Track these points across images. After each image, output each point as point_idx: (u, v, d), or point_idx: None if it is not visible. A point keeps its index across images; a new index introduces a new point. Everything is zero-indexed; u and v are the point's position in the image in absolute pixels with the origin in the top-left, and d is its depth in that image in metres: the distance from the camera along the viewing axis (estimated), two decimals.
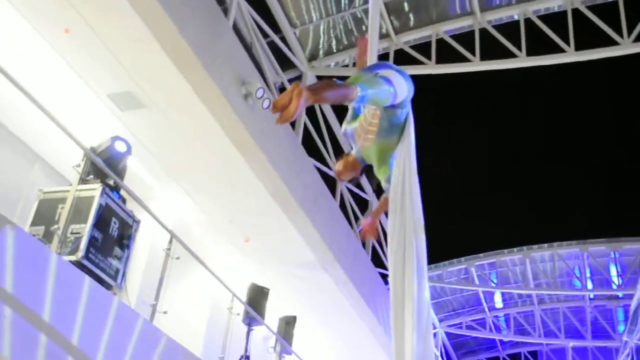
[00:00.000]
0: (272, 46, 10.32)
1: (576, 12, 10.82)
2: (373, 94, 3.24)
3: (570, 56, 10.41)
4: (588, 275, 19.40)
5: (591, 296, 20.53)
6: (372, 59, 4.36)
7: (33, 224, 5.61)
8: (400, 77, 3.46)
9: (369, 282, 12.27)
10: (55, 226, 5.33)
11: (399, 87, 3.40)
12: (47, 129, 6.73)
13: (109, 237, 5.72)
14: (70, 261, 5.14)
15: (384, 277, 14.46)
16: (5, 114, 7.18)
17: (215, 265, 8.72)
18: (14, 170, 7.33)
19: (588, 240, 18.85)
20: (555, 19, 10.98)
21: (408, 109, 3.68)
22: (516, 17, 11.22)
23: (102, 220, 5.63)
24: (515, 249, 19.73)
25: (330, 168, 11.85)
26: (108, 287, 5.64)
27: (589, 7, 10.79)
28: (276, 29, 10.69)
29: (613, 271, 19.40)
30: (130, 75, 7.07)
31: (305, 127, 10.67)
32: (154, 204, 7.99)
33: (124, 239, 5.89)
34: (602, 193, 22.91)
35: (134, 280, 7.73)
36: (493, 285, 20.43)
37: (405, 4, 11.37)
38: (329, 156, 11.70)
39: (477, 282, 20.00)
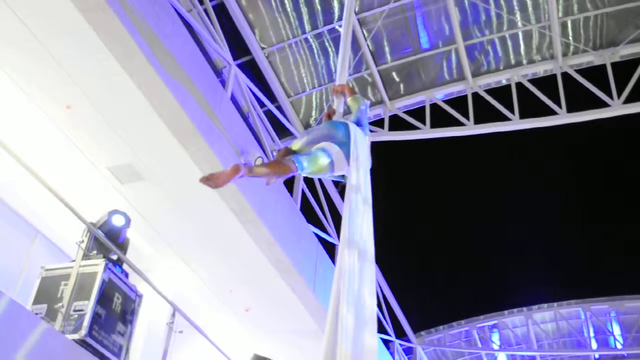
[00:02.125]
0: (268, 115, 10.49)
1: (565, 75, 11.10)
2: (309, 166, 3.86)
3: (563, 118, 10.62)
4: (592, 334, 19.15)
5: (596, 356, 20.17)
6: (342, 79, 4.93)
7: (35, 301, 5.52)
8: (337, 149, 4.02)
9: None
10: (60, 304, 5.25)
11: (337, 160, 3.97)
12: (47, 204, 6.76)
13: (112, 313, 5.63)
14: (74, 340, 5.03)
15: (386, 342, 14.23)
16: (5, 189, 7.18)
17: (216, 336, 8.57)
18: (13, 246, 7.27)
19: (589, 299, 18.70)
20: (547, 82, 11.26)
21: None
22: (507, 82, 11.49)
23: (105, 296, 5.55)
24: (515, 310, 19.52)
25: (329, 234, 11.83)
26: None
27: (578, 71, 11.10)
28: (272, 98, 10.91)
29: (616, 330, 19.15)
30: (130, 148, 7.13)
31: (304, 194, 10.71)
32: (154, 276, 7.91)
33: (127, 314, 5.80)
34: (599, 252, 22.89)
35: (134, 355, 7.56)
36: (496, 347, 20.08)
37: (395, 74, 11.66)
38: (328, 222, 11.70)
39: (479, 344, 19.67)
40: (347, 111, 4.84)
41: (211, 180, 3.60)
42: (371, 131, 11.13)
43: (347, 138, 4.08)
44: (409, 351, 16.95)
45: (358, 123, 4.43)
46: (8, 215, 7.33)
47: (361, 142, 4.15)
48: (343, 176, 4.25)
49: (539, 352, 19.52)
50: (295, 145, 4.21)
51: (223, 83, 8.56)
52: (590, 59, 11.09)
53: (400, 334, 15.68)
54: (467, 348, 19.97)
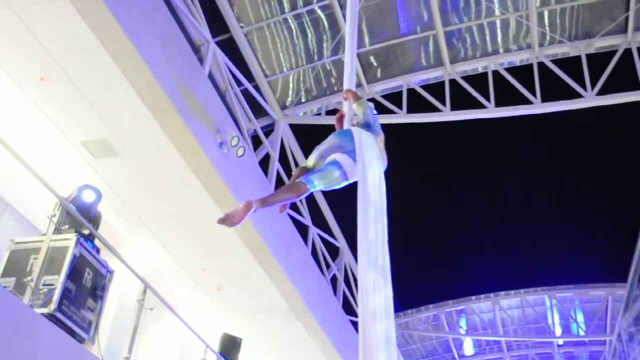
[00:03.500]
0: (246, 94, 10.42)
1: (542, 65, 11.22)
2: (320, 182, 3.96)
3: (537, 108, 10.75)
4: (556, 321, 19.59)
5: (560, 342, 20.66)
6: (350, 84, 4.94)
7: (4, 274, 5.45)
8: (347, 158, 4.10)
9: (341, 330, 12.16)
10: (29, 278, 5.19)
11: (348, 168, 4.06)
12: (17, 177, 6.65)
13: (83, 289, 5.59)
14: (42, 314, 4.99)
15: (355, 324, 14.36)
16: None
17: (187, 314, 8.56)
18: None
19: (555, 287, 19.11)
20: (523, 71, 11.37)
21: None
22: (484, 70, 11.57)
23: (76, 271, 5.50)
24: (482, 296, 19.84)
25: (303, 216, 11.86)
26: (80, 339, 5.48)
27: (554, 61, 11.22)
28: (250, 77, 10.83)
29: (580, 317, 19.62)
30: (104, 123, 7.04)
31: (278, 175, 10.71)
32: (126, 252, 7.85)
33: (98, 290, 5.76)
34: (571, 239, 23.29)
35: (103, 331, 7.51)
36: (463, 332, 20.43)
37: (372, 59, 11.66)
38: (301, 204, 11.72)
39: (447, 329, 19.98)
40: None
41: (227, 220, 3.69)
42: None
43: (354, 144, 4.18)
44: None
45: (367, 125, 4.52)
46: None
47: (368, 145, 4.19)
48: None
49: (505, 337, 19.93)
50: (310, 161, 4.29)
51: (201, 61, 8.47)
52: (566, 49, 11.22)
53: None
54: (434, 332, 20.28)
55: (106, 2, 5.78)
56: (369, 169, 4.08)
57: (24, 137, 6.92)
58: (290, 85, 11.64)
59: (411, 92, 11.59)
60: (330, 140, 4.31)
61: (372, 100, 11.66)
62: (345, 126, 4.67)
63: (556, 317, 19.53)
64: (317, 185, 3.97)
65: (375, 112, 4.80)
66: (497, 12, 10.99)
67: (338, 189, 4.27)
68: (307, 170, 4.23)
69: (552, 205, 23.60)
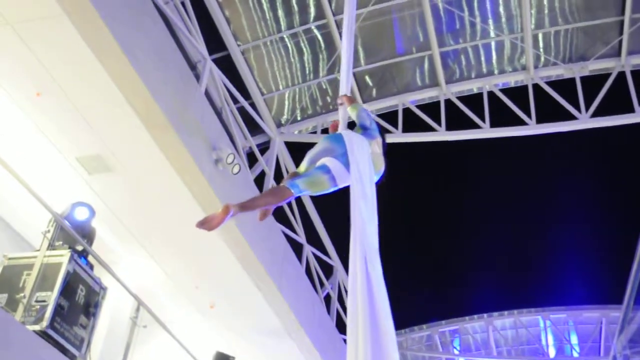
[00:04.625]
0: (242, 111, 10.45)
1: (536, 86, 11.31)
2: (307, 187, 3.86)
3: (532, 129, 10.81)
4: (550, 342, 19.53)
5: None
6: (346, 89, 4.94)
7: None
8: (336, 162, 3.99)
9: (334, 349, 12.07)
10: (21, 294, 5.14)
11: (337, 173, 3.95)
12: (11, 192, 6.61)
13: (76, 305, 5.54)
14: (34, 331, 4.94)
15: None
16: None
17: (180, 331, 8.49)
18: None
19: (549, 307, 19.09)
20: (518, 92, 11.45)
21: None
22: (479, 91, 11.66)
23: (69, 287, 5.46)
24: (476, 316, 19.79)
25: (297, 234, 11.82)
26: (72, 357, 5.42)
27: (549, 83, 11.31)
28: (246, 95, 10.87)
29: (574, 339, 19.57)
30: (100, 139, 7.02)
31: None
32: (119, 269, 7.80)
33: (91, 307, 5.71)
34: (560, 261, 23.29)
35: (95, 349, 7.43)
36: (456, 352, 20.33)
37: (368, 78, 11.72)
38: (296, 221, 11.69)
39: (440, 349, 19.88)
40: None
41: (206, 224, 3.67)
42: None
43: (345, 148, 4.07)
44: None
45: (364, 128, 4.43)
46: None
47: (360, 147, 4.08)
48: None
49: (498, 358, 19.84)
50: (301, 167, 4.20)
51: (198, 77, 8.49)
52: (561, 72, 11.33)
53: None
54: (428, 352, 20.17)
55: (103, 19, 5.78)
56: (363, 169, 3.97)
57: (18, 152, 6.89)
58: (286, 103, 11.68)
59: (407, 111, 11.64)
60: (321, 144, 4.20)
61: None
62: (340, 130, 4.58)
63: (550, 338, 19.48)
64: (303, 190, 3.86)
65: (367, 111, 4.73)
66: (492, 34, 11.10)
67: (328, 194, 4.14)
68: (298, 175, 4.15)
69: (547, 226, 23.65)
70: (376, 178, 4.25)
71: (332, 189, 4.02)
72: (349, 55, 5.08)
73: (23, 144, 6.99)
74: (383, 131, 4.67)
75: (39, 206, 5.76)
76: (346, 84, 4.97)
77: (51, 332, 5.16)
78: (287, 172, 11.70)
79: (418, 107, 11.69)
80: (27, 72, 6.29)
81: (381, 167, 4.33)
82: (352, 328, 3.42)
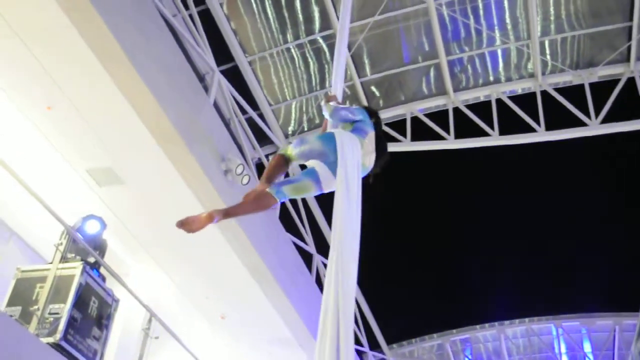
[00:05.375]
0: (250, 122, 10.50)
1: (545, 93, 11.29)
2: (293, 193, 3.81)
3: (541, 136, 10.79)
4: (563, 351, 19.35)
5: None
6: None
7: (10, 304, 5.42)
8: (325, 168, 3.87)
9: None
10: (35, 307, 5.16)
11: (325, 179, 3.85)
12: (23, 205, 6.65)
13: (88, 317, 5.55)
14: (48, 343, 4.95)
15: (360, 353, 14.23)
16: None
17: (191, 342, 8.49)
18: None
19: (561, 315, 18.92)
20: (527, 99, 11.43)
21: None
22: (487, 98, 11.65)
23: (82, 299, 5.48)
24: (487, 324, 19.65)
25: (306, 243, 11.82)
26: None
27: (557, 90, 11.29)
28: (254, 106, 10.92)
29: (587, 347, 19.38)
30: (110, 151, 7.07)
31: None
32: (131, 281, 7.82)
33: (103, 319, 5.72)
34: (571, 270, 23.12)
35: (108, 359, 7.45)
36: None
37: (374, 88, 11.75)
38: (306, 231, 11.69)
39: (452, 358, 19.74)
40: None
41: (186, 225, 3.69)
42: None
43: (335, 156, 3.89)
44: None
45: (351, 122, 4.18)
46: None
47: (352, 152, 3.88)
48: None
49: None
50: (290, 151, 4.09)
51: (206, 89, 8.54)
52: (569, 78, 11.29)
53: (373, 345, 15.68)
54: None
55: (112, 32, 5.84)
56: (348, 175, 3.79)
57: (29, 165, 6.94)
58: (293, 113, 11.72)
59: (415, 120, 11.65)
60: (314, 142, 4.01)
61: None
62: (330, 129, 4.37)
63: (563, 346, 19.30)
64: (289, 196, 3.81)
65: (350, 107, 4.38)
66: (498, 42, 11.10)
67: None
68: (285, 161, 4.07)
69: (558, 232, 23.49)
70: (364, 172, 4.11)
71: (315, 194, 3.97)
72: (343, 50, 4.95)
73: (34, 157, 7.05)
74: (375, 117, 4.36)
75: (52, 219, 5.79)
76: (336, 81, 4.82)
77: (65, 344, 5.18)
78: None
79: (426, 115, 11.69)
80: (37, 86, 6.35)
81: (371, 162, 4.16)
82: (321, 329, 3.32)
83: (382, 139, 4.28)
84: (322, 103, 4.39)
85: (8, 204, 7.26)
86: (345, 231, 3.65)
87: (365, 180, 4.15)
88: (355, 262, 3.66)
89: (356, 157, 3.90)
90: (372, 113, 4.38)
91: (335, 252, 3.57)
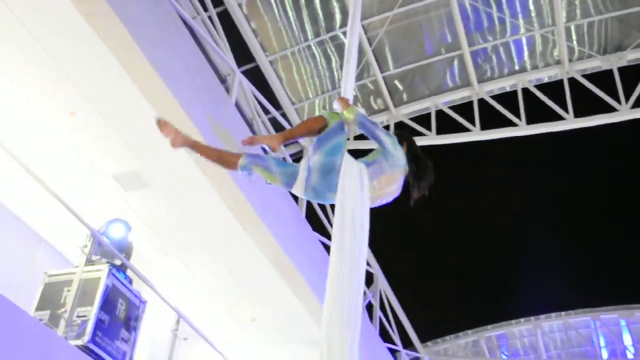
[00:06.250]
0: (273, 122, 10.48)
1: (573, 80, 11.07)
2: (261, 173, 3.58)
3: (570, 123, 10.57)
4: (602, 344, 18.93)
5: None
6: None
7: (38, 308, 5.47)
8: (304, 180, 3.55)
9: (378, 357, 11.92)
10: (63, 310, 5.20)
11: (297, 184, 3.56)
12: (52, 211, 6.72)
13: (116, 319, 5.57)
14: (76, 346, 4.98)
15: (393, 352, 14.11)
16: (9, 195, 7.16)
17: (222, 344, 8.49)
18: (18, 253, 7.24)
19: (599, 308, 18.50)
20: (554, 87, 11.22)
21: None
22: (513, 88, 11.46)
23: (109, 301, 5.50)
24: (523, 319, 19.33)
25: None
26: None
27: (585, 76, 11.05)
28: (277, 105, 10.90)
29: (627, 340, 18.93)
30: (135, 155, 7.11)
31: (308, 202, 10.65)
32: (159, 284, 7.84)
33: (131, 321, 5.74)
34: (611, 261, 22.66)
35: None
36: (504, 357, 19.88)
37: (397, 82, 11.63)
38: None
39: (487, 354, 19.47)
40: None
41: (163, 127, 3.69)
42: None
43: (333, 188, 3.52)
44: None
45: (377, 160, 3.64)
46: (13, 223, 7.31)
47: (354, 190, 3.43)
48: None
49: None
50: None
51: (228, 90, 8.54)
52: (597, 63, 11.06)
53: (407, 343, 15.53)
54: (474, 358, 19.78)
55: (133, 36, 5.86)
56: (345, 218, 3.44)
57: (55, 170, 7.00)
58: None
59: (440, 113, 11.51)
60: (324, 157, 3.55)
61: (400, 124, 11.60)
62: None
63: (602, 340, 18.88)
64: (255, 172, 3.60)
65: (378, 126, 3.78)
66: (522, 30, 10.91)
67: None
68: (322, 123, 3.63)
69: (594, 223, 23.06)
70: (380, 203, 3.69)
71: (281, 187, 3.69)
72: (354, 55, 4.54)
73: (60, 162, 7.11)
74: (413, 154, 3.75)
75: (79, 225, 5.83)
76: (349, 85, 4.36)
77: (93, 347, 5.20)
78: None
79: (451, 108, 11.55)
80: (60, 92, 6.41)
81: (390, 193, 3.67)
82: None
83: (421, 163, 3.80)
84: (339, 104, 3.88)
85: (37, 211, 7.34)
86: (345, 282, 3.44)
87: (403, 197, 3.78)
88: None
89: (358, 199, 3.47)
90: (408, 144, 3.84)
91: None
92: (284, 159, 3.70)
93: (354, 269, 3.43)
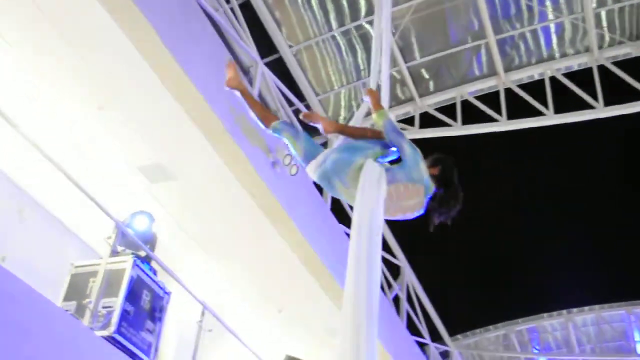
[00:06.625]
0: (297, 114, 10.46)
1: (602, 68, 10.82)
2: (286, 138, 3.72)
3: (600, 112, 10.34)
4: (637, 339, 18.55)
5: None
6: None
7: (65, 298, 5.56)
8: (319, 163, 3.57)
9: (404, 350, 11.87)
10: (87, 300, 5.26)
11: (314, 163, 3.57)
12: (81, 204, 6.81)
13: (141, 310, 5.63)
14: (102, 336, 5.04)
15: (421, 345, 14.03)
16: (38, 189, 7.28)
17: (248, 336, 8.53)
18: (48, 246, 7.36)
19: (632, 301, 18.13)
20: (582, 75, 10.99)
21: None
22: (540, 77, 11.26)
23: (134, 292, 5.56)
24: (554, 313, 19.05)
25: None
26: None
27: (615, 63, 10.80)
28: (300, 96, 10.87)
29: None
30: (160, 148, 7.17)
31: (335, 198, 10.61)
32: (183, 274, 7.91)
33: (156, 312, 5.79)
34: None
35: (167, 355, 7.56)
36: (536, 351, 19.63)
37: (424, 71, 11.51)
38: None
39: (518, 349, 19.24)
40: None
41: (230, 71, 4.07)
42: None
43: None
44: (445, 355, 16.67)
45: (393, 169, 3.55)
46: (43, 216, 7.43)
47: (371, 193, 3.40)
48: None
49: (581, 356, 19.00)
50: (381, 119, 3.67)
51: (251, 82, 8.55)
52: (628, 50, 10.78)
53: (435, 337, 15.42)
54: (505, 352, 19.56)
55: (156, 30, 5.89)
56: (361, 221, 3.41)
57: (82, 163, 7.09)
58: (342, 102, 11.63)
59: (465, 103, 11.37)
60: (347, 147, 3.64)
61: (425, 114, 11.49)
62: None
63: (636, 334, 18.51)
64: (280, 136, 3.78)
65: (404, 137, 3.60)
66: (550, 16, 10.69)
67: None
68: (379, 137, 3.66)
69: (626, 216, 22.59)
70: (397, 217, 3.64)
71: (297, 158, 3.77)
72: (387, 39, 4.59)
73: (86, 155, 7.20)
74: (446, 179, 3.62)
75: (104, 216, 5.90)
76: (380, 72, 4.37)
77: (119, 337, 5.26)
78: None
79: (477, 98, 11.39)
80: (87, 87, 6.49)
81: (408, 211, 3.58)
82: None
83: (450, 190, 3.66)
84: (368, 99, 3.87)
85: (67, 204, 7.45)
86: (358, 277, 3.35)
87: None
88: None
89: (375, 200, 3.42)
90: (442, 167, 3.67)
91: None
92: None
93: (370, 260, 3.41)
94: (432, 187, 3.57)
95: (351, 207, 3.61)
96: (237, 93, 3.97)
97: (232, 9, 8.93)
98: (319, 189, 9.86)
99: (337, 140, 4.05)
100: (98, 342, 4.92)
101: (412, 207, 3.57)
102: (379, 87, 4.34)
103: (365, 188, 3.38)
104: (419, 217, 3.70)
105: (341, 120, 11.77)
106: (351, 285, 3.28)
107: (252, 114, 3.94)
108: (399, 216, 3.63)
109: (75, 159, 7.05)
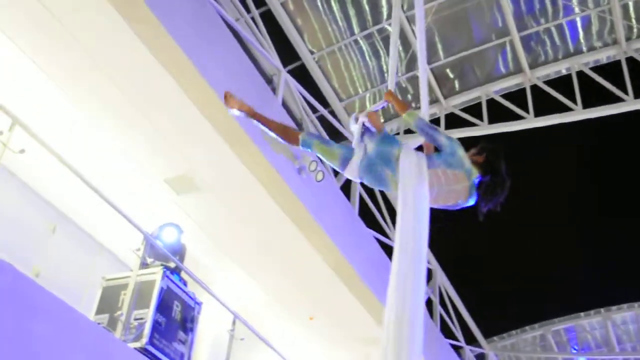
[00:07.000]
0: (322, 120, 10.44)
1: (631, 60, 10.61)
2: (318, 150, 3.68)
3: (630, 105, 10.14)
4: None
5: None
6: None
7: (98, 311, 5.61)
8: (357, 162, 3.60)
9: (441, 355, 11.73)
10: (119, 312, 5.30)
11: (351, 165, 3.59)
12: (110, 219, 6.88)
13: (173, 321, 5.65)
14: (135, 348, 5.06)
15: (455, 348, 13.86)
16: (68, 205, 7.38)
17: (280, 345, 8.51)
18: (79, 261, 7.44)
19: None
20: (610, 69, 10.79)
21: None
22: (567, 72, 11.07)
23: (165, 304, 5.58)
24: (592, 311, 18.66)
25: (390, 239, 11.63)
26: None
27: None
28: (324, 103, 10.86)
29: None
30: (185, 159, 7.20)
31: (361, 198, 10.57)
32: (213, 285, 7.93)
33: (188, 322, 5.81)
34: None
35: None
36: (574, 351, 19.25)
37: (449, 71, 11.41)
38: (387, 226, 11.50)
39: (555, 349, 18.90)
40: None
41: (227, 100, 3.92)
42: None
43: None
44: (480, 357, 16.45)
45: (438, 148, 3.63)
46: (73, 231, 7.52)
47: (414, 178, 3.41)
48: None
49: (622, 355, 18.58)
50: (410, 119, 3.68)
51: (274, 91, 8.56)
52: None
53: (470, 339, 15.23)
54: (543, 353, 19.22)
55: (178, 42, 5.93)
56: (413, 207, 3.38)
57: (109, 177, 7.17)
58: (368, 106, 11.56)
59: (491, 102, 11.23)
60: (380, 140, 3.66)
61: (450, 115, 11.39)
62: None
63: None
64: (312, 150, 3.72)
65: (438, 130, 3.69)
66: (576, 10, 10.52)
67: None
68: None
69: None
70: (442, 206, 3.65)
71: (336, 168, 3.73)
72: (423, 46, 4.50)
73: (112, 168, 7.27)
74: (492, 167, 3.63)
75: (134, 229, 5.95)
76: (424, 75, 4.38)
77: (151, 349, 5.28)
78: None
79: (503, 96, 11.25)
80: (112, 102, 6.55)
81: (451, 199, 3.61)
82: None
83: (497, 178, 3.68)
84: (391, 102, 3.91)
85: (96, 219, 7.53)
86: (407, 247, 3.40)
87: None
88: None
89: (417, 187, 3.44)
90: (488, 155, 3.67)
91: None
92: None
93: (415, 264, 3.41)
94: (475, 174, 3.60)
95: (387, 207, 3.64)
96: (246, 116, 3.89)
97: (253, 19, 8.96)
98: (346, 194, 9.82)
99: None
100: (131, 354, 4.95)
101: (458, 193, 3.58)
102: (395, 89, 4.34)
103: (406, 171, 3.43)
104: (451, 215, 3.77)
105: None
106: (396, 278, 3.42)
107: (272, 134, 3.83)
108: (450, 204, 3.64)
109: (101, 172, 7.13)
